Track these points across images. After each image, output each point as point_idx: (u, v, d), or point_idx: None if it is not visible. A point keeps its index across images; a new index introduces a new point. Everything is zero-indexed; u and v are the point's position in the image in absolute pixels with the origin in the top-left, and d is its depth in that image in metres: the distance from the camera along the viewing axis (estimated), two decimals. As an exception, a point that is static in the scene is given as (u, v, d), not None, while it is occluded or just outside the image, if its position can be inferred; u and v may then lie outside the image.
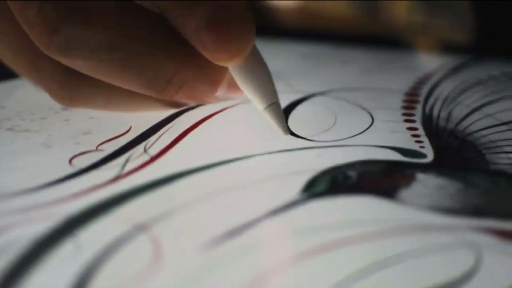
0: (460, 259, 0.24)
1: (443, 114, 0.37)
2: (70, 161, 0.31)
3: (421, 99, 0.40)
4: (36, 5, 0.26)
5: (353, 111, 0.38)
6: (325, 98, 0.40)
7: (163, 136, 0.34)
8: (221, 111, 0.37)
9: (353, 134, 0.34)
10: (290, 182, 0.29)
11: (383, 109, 0.38)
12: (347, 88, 0.42)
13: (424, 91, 0.41)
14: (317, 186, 0.29)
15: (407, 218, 0.26)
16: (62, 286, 0.22)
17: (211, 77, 0.28)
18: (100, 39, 0.26)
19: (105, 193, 0.28)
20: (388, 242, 0.25)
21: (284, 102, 0.38)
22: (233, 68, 0.29)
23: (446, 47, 0.52)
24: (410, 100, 0.40)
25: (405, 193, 0.28)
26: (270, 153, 0.32)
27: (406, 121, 0.36)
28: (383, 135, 0.34)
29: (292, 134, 0.34)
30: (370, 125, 0.36)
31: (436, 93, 0.41)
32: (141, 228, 0.25)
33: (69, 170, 0.30)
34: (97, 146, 0.32)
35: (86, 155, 0.31)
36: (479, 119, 0.37)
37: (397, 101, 0.40)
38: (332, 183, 0.29)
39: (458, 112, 0.38)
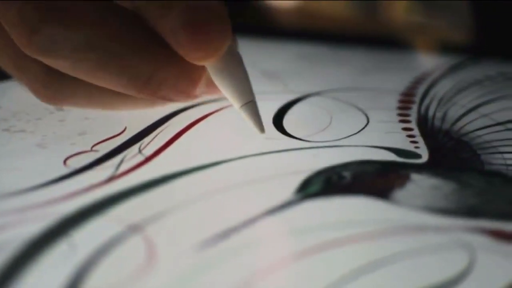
0: (454, 259, 0.24)
1: (439, 115, 0.37)
2: (65, 161, 0.31)
3: (417, 99, 0.40)
4: (16, 6, 0.26)
5: (348, 111, 0.38)
6: (321, 98, 0.40)
7: (158, 136, 0.34)
8: (216, 111, 0.37)
9: (348, 135, 0.34)
10: (285, 183, 0.29)
11: (378, 109, 0.38)
12: (343, 88, 0.42)
13: (420, 91, 0.41)
14: (312, 187, 0.29)
15: (402, 218, 0.26)
16: (56, 286, 0.22)
17: (190, 75, 0.29)
18: (79, 39, 0.26)
19: (100, 193, 0.28)
20: (382, 242, 0.25)
21: (279, 102, 0.38)
22: (210, 67, 0.29)
23: (443, 47, 0.52)
24: (405, 100, 0.40)
25: (400, 193, 0.28)
26: (265, 153, 0.32)
27: (402, 121, 0.36)
28: (378, 136, 0.34)
29: (288, 134, 0.34)
30: (366, 126, 0.36)
31: (432, 93, 0.41)
32: (135, 228, 0.25)
33: (64, 170, 0.30)
34: (92, 147, 0.32)
35: (81, 156, 0.31)
36: (474, 119, 0.37)
37: (393, 101, 0.39)
38: (326, 183, 0.29)
39: (454, 112, 0.38)
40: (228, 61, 0.29)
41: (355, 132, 0.35)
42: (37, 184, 0.29)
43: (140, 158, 0.31)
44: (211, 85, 0.30)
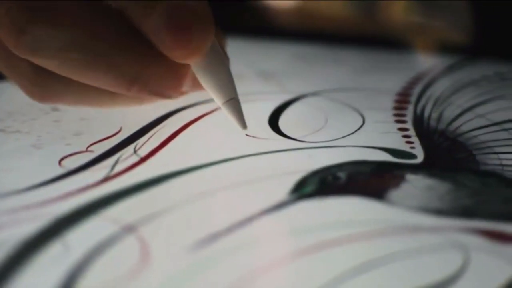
0: (449, 259, 0.24)
1: (434, 115, 0.37)
2: (60, 162, 0.31)
3: (413, 99, 0.40)
4: (4, 7, 0.27)
5: (344, 112, 0.38)
6: (317, 98, 0.40)
7: (153, 137, 0.34)
8: (211, 112, 0.37)
9: (344, 135, 0.34)
10: (280, 183, 0.29)
11: (374, 109, 0.38)
12: (339, 89, 0.42)
13: (416, 91, 0.41)
14: (307, 187, 0.29)
15: (396, 219, 0.26)
16: (51, 286, 0.22)
17: (176, 73, 0.29)
18: (66, 39, 0.27)
19: (95, 194, 0.28)
20: (377, 242, 0.25)
21: (275, 103, 0.38)
22: (193, 65, 0.30)
23: (440, 47, 0.52)
24: (401, 100, 0.40)
25: (395, 194, 0.28)
26: (260, 154, 0.32)
27: (397, 121, 0.36)
28: (374, 136, 0.34)
29: (283, 135, 0.34)
30: (361, 126, 0.36)
31: (428, 93, 0.41)
32: (129, 228, 0.25)
33: (59, 171, 0.30)
34: (87, 147, 0.32)
35: (76, 156, 0.31)
36: (470, 120, 0.37)
37: (389, 101, 0.39)
38: (321, 183, 0.29)
39: (450, 112, 0.38)
40: (211, 59, 0.29)
41: (351, 132, 0.35)
42: (32, 185, 0.29)
43: (135, 159, 0.31)
44: (197, 82, 0.30)
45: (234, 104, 0.30)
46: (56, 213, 0.26)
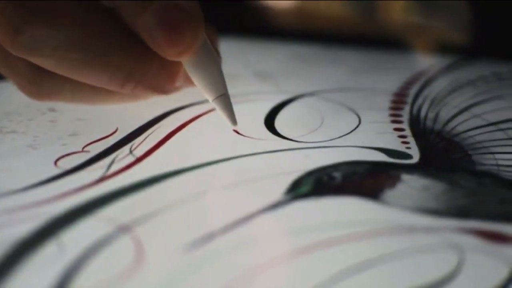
0: (443, 260, 0.24)
1: (431, 115, 0.37)
2: (55, 162, 0.31)
3: (409, 99, 0.40)
4: (0, 6, 0.27)
5: (340, 112, 0.38)
6: (313, 98, 0.40)
7: (149, 137, 0.34)
8: (207, 112, 0.37)
9: (339, 135, 0.34)
10: (276, 183, 0.29)
11: (370, 109, 0.38)
12: (336, 89, 0.42)
13: (412, 91, 0.41)
14: (302, 187, 0.29)
15: (392, 219, 0.26)
16: (46, 286, 0.22)
17: (168, 70, 0.30)
18: (61, 38, 0.27)
19: (90, 194, 0.28)
20: (372, 242, 0.25)
21: (272, 103, 0.38)
22: (185, 62, 0.30)
23: (437, 48, 0.52)
24: (398, 100, 0.40)
25: (390, 194, 0.28)
26: (256, 154, 0.32)
27: (393, 121, 0.36)
28: (370, 136, 0.34)
29: (279, 135, 0.34)
30: (357, 126, 0.36)
31: (424, 93, 0.41)
32: (124, 228, 0.25)
33: (55, 171, 0.30)
34: (83, 147, 0.32)
35: (71, 156, 0.31)
36: (466, 120, 0.37)
37: (385, 101, 0.40)
38: (317, 184, 0.29)
39: (446, 112, 0.38)
40: (202, 56, 0.30)
41: (347, 132, 0.35)
42: (27, 185, 0.29)
43: (131, 159, 0.31)
44: (189, 78, 0.31)
45: (224, 100, 0.31)
46: (52, 213, 0.26)
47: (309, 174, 0.30)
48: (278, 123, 0.36)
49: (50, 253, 0.24)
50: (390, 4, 0.58)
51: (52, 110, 0.37)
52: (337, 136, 0.34)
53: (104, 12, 0.28)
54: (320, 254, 0.24)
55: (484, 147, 0.33)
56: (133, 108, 0.36)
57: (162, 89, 0.30)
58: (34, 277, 0.23)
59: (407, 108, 0.39)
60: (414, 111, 0.38)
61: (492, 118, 0.37)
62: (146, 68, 0.29)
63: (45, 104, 0.37)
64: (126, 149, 0.32)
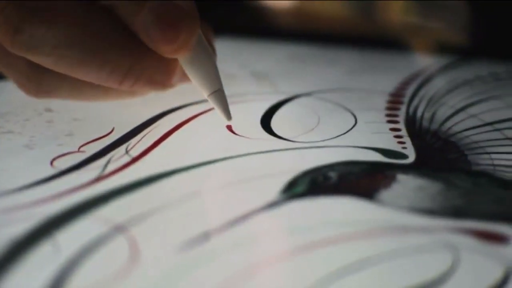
0: (438, 260, 0.24)
1: (427, 115, 0.37)
2: (51, 162, 0.31)
3: (406, 99, 0.40)
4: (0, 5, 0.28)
5: (336, 112, 0.38)
6: (310, 98, 0.40)
7: (145, 137, 0.34)
8: (203, 112, 0.37)
9: (335, 135, 0.34)
10: (271, 183, 0.29)
11: (367, 110, 0.38)
12: (333, 89, 0.42)
13: (409, 91, 0.41)
14: (297, 187, 0.29)
15: (387, 219, 0.26)
16: (41, 286, 0.22)
17: (165, 67, 0.30)
18: (60, 37, 0.28)
19: (86, 194, 0.28)
20: (367, 242, 0.25)
21: (268, 103, 0.38)
22: (181, 59, 0.31)
23: (434, 48, 0.52)
24: (394, 101, 0.40)
25: (385, 194, 0.28)
26: (252, 154, 0.32)
27: (389, 122, 0.36)
28: (366, 136, 0.34)
29: (275, 135, 0.34)
30: (353, 126, 0.36)
31: (421, 93, 0.41)
32: (119, 228, 0.25)
33: (51, 171, 0.30)
34: (79, 148, 0.32)
35: (67, 157, 0.31)
36: (463, 120, 0.37)
37: (382, 101, 0.40)
38: (312, 184, 0.29)
39: (442, 112, 0.38)
40: (197, 53, 0.30)
41: (343, 132, 0.35)
42: (23, 185, 0.29)
43: (127, 159, 0.31)
44: (185, 74, 0.31)
45: (219, 95, 0.31)
46: (48, 213, 0.26)
47: (305, 174, 0.30)
48: (274, 123, 0.36)
49: (45, 253, 0.24)
50: (387, 4, 0.58)
51: (49, 110, 0.37)
52: (333, 136, 0.34)
53: (102, 11, 0.29)
54: (316, 254, 0.24)
55: (480, 147, 0.33)
56: (130, 109, 0.36)
57: (160, 85, 0.31)
58: (30, 277, 0.23)
59: (403, 108, 0.39)
60: (411, 111, 0.38)
61: (489, 118, 0.37)
62: (144, 65, 0.30)
63: (41, 105, 0.37)
64: (122, 149, 0.32)
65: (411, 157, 0.32)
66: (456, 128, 0.36)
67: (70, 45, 0.28)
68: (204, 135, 0.34)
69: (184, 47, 0.28)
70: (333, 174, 0.30)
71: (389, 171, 0.30)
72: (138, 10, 0.28)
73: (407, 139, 0.34)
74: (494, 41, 0.52)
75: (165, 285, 0.22)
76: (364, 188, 0.29)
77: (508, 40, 0.51)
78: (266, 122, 0.36)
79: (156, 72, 0.30)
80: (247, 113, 0.36)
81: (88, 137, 0.33)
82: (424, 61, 0.49)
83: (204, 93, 0.31)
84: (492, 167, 0.31)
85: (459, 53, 0.50)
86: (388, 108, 0.38)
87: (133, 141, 0.33)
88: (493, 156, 0.32)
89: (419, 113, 0.38)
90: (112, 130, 0.34)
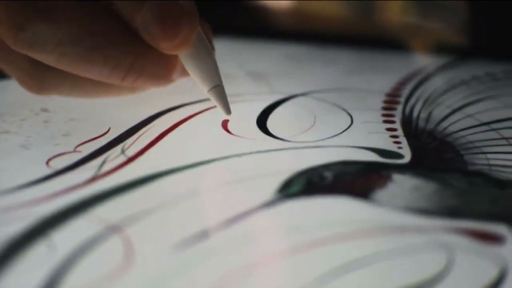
0: (433, 260, 0.24)
1: (424, 115, 0.37)
2: (47, 162, 0.31)
3: (402, 99, 0.40)
4: (2, 5, 0.28)
5: (333, 112, 0.38)
6: (306, 98, 0.40)
7: (141, 137, 0.34)
8: (199, 113, 0.37)
9: (332, 135, 0.34)
10: (267, 183, 0.29)
11: (363, 109, 0.38)
12: (329, 89, 0.42)
13: (406, 91, 0.41)
14: (293, 187, 0.29)
15: (382, 219, 0.27)
16: (35, 286, 0.22)
17: (166, 62, 0.31)
18: (63, 35, 0.28)
19: (81, 194, 0.28)
20: (362, 242, 0.25)
21: (264, 103, 0.39)
22: (181, 55, 0.31)
23: (431, 48, 0.52)
24: (390, 101, 0.40)
25: (381, 194, 0.28)
26: (248, 154, 0.32)
27: (386, 121, 0.36)
28: (362, 136, 0.34)
29: (271, 135, 0.34)
30: (349, 126, 0.36)
31: (418, 93, 0.41)
32: (114, 228, 0.25)
33: (46, 171, 0.30)
34: (75, 148, 0.32)
35: (63, 156, 0.31)
36: (459, 120, 0.37)
37: (378, 101, 0.40)
38: (307, 183, 0.29)
39: (439, 112, 0.38)
40: (197, 49, 0.31)
41: (339, 132, 0.35)
42: (19, 185, 0.29)
43: (122, 159, 0.31)
44: (185, 70, 0.32)
45: (219, 90, 0.32)
46: (43, 212, 0.26)
47: (300, 174, 0.30)
48: (271, 123, 0.36)
49: (41, 252, 0.24)
50: (384, 4, 0.58)
51: (45, 110, 0.37)
52: (329, 136, 0.34)
53: (104, 9, 0.29)
54: (311, 253, 0.24)
55: (476, 147, 0.33)
56: (126, 109, 0.36)
57: (161, 80, 0.31)
58: (25, 276, 0.23)
59: (400, 108, 0.39)
60: (407, 111, 0.38)
61: (485, 118, 0.37)
62: (146, 61, 0.30)
63: (38, 105, 0.37)
64: (118, 149, 0.32)
65: (407, 157, 0.32)
66: (452, 128, 0.36)
67: (72, 43, 0.28)
68: (200, 135, 0.34)
69: (184, 43, 0.28)
70: (328, 174, 0.30)
71: (385, 171, 0.30)
72: (138, 8, 0.28)
73: (403, 139, 0.34)
74: (490, 41, 0.52)
75: (160, 285, 0.22)
76: (359, 188, 0.29)
77: (505, 40, 0.51)
78: (262, 122, 0.36)
79: (157, 67, 0.30)
80: (243, 113, 0.36)
81: (84, 137, 0.33)
82: (421, 61, 0.49)
83: (204, 88, 0.32)
84: (488, 167, 0.31)
85: (455, 53, 0.50)
86: (385, 108, 0.38)
87: (129, 141, 0.33)
88: (489, 156, 0.32)
89: (415, 113, 0.38)
90: (108, 130, 0.34)
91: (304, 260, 0.24)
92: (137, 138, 0.34)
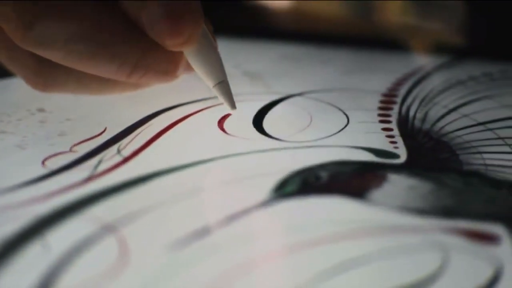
0: (428, 259, 0.24)
1: (420, 115, 0.37)
2: (43, 162, 0.31)
3: (399, 99, 0.40)
4: (11, 2, 0.28)
5: (329, 112, 0.38)
6: (302, 98, 0.40)
7: (137, 137, 0.34)
8: (195, 113, 0.37)
9: (328, 135, 0.34)
10: (263, 183, 0.29)
11: (359, 109, 0.38)
12: (326, 89, 0.42)
13: (402, 91, 0.42)
14: (288, 187, 0.29)
15: (378, 218, 0.27)
16: (31, 285, 0.22)
17: (172, 59, 0.31)
18: (71, 32, 0.28)
19: (77, 194, 0.28)
20: (357, 242, 0.25)
21: (261, 103, 0.39)
22: (186, 51, 0.32)
23: (427, 48, 0.52)
24: (387, 101, 0.40)
25: (376, 193, 0.28)
26: (243, 154, 0.32)
27: (382, 121, 0.36)
28: (358, 136, 0.34)
29: (267, 135, 0.34)
30: (345, 126, 0.36)
31: (414, 93, 0.41)
32: (109, 228, 0.25)
33: (42, 171, 0.30)
34: (71, 147, 0.32)
35: (59, 156, 0.31)
36: (455, 120, 0.37)
37: (374, 101, 0.40)
38: (303, 183, 0.29)
39: (435, 112, 0.38)
40: (201, 45, 0.31)
41: (335, 132, 0.35)
42: (15, 185, 0.29)
43: (118, 159, 0.31)
44: (189, 66, 0.32)
45: (224, 86, 0.32)
46: (38, 212, 0.26)
47: (296, 173, 0.30)
48: (267, 123, 0.36)
49: (36, 252, 0.24)
50: (381, 4, 0.58)
51: (42, 110, 0.37)
52: (325, 136, 0.34)
53: (110, 7, 0.29)
54: (306, 253, 0.24)
55: (472, 146, 0.33)
56: (122, 108, 0.36)
57: (167, 76, 0.31)
58: (20, 276, 0.23)
59: (396, 108, 0.39)
60: (403, 111, 0.38)
61: (481, 118, 0.37)
62: (152, 58, 0.30)
63: (34, 105, 0.37)
64: (114, 149, 0.32)
65: (403, 157, 0.32)
66: (448, 128, 0.36)
67: (80, 40, 0.28)
68: (196, 135, 0.34)
69: (189, 41, 0.29)
70: (324, 174, 0.30)
71: (380, 171, 0.30)
72: (144, 6, 0.28)
73: (399, 139, 0.34)
74: (487, 41, 0.52)
75: (155, 284, 0.22)
76: (355, 187, 0.29)
77: (502, 40, 0.51)
78: (258, 122, 0.36)
79: (163, 64, 0.31)
80: (239, 113, 0.36)
81: (80, 137, 0.33)
82: (417, 61, 0.49)
83: (209, 84, 0.32)
84: (484, 167, 0.31)
85: (452, 53, 0.50)
86: (381, 108, 0.38)
87: (125, 141, 0.33)
88: (485, 156, 0.32)
89: (411, 113, 0.38)
90: (104, 130, 0.34)
91: (299, 260, 0.24)
92: (133, 138, 0.34)
